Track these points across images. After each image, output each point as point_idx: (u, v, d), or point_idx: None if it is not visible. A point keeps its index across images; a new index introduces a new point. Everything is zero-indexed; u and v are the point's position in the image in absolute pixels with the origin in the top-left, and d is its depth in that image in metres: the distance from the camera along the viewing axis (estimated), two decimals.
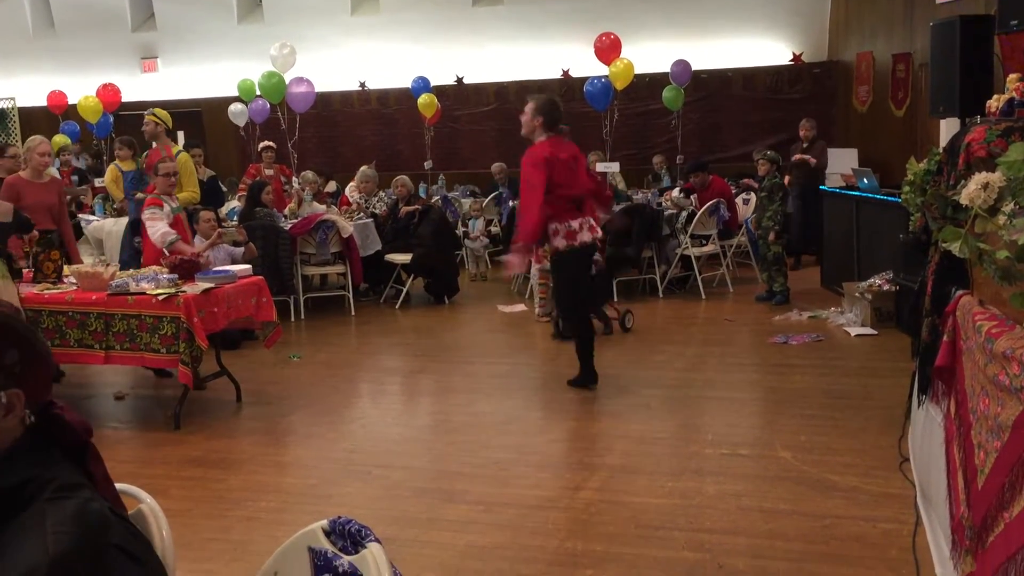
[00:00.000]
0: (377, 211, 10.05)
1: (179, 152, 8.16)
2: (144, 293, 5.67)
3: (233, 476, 4.90)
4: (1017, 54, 5.39)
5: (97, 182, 11.25)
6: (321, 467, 5.03)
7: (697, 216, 9.35)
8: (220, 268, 6.35)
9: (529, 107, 6.03)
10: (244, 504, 4.50)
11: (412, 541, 3.99)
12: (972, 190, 2.74)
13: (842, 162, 11.11)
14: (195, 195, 8.01)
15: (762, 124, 12.94)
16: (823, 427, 5.24)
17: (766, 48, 13.12)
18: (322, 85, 13.53)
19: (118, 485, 1.91)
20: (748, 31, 13.09)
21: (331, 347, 7.86)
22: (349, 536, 1.83)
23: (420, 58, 13.90)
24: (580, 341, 6.18)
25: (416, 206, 9.82)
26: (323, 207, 9.88)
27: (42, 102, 14.92)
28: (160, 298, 5.58)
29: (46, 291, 5.95)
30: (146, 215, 6.63)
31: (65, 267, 6.32)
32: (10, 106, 16.02)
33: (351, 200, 10.54)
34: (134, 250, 8.95)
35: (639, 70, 11.93)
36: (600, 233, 6.17)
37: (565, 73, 13.64)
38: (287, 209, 9.67)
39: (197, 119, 15.02)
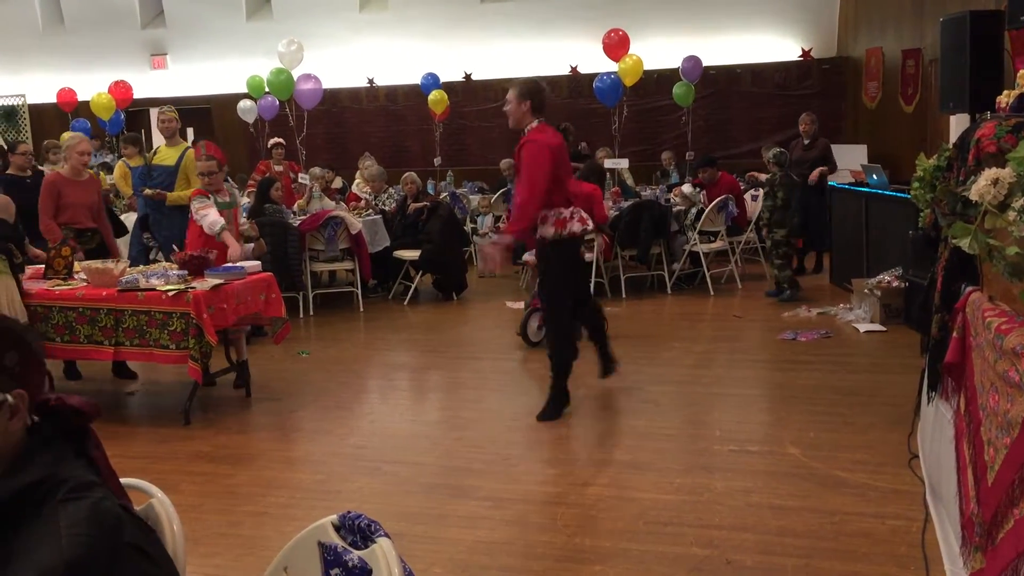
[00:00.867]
0: (386, 207, 10.07)
1: (187, 149, 8.19)
2: (154, 289, 5.69)
3: (243, 471, 4.92)
4: None
5: (107, 179, 11.29)
6: (330, 462, 5.04)
7: (705, 212, 9.34)
8: (230, 264, 6.36)
9: (511, 95, 5.38)
10: (254, 499, 4.52)
11: (421, 536, 4.00)
12: (982, 186, 2.73)
13: (851, 158, 11.08)
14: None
15: (771, 120, 12.91)
16: (832, 423, 5.24)
17: (775, 44, 13.08)
18: (331, 82, 13.55)
19: (128, 480, 1.92)
20: (757, 27, 13.06)
21: (340, 343, 7.88)
22: (359, 531, 1.84)
23: (428, 55, 13.91)
24: (557, 356, 5.55)
25: (425, 203, 9.82)
26: (332, 203, 9.89)
27: (52, 99, 14.97)
28: (170, 294, 5.60)
29: (57, 287, 5.98)
30: (195, 204, 6.67)
31: (76, 263, 6.35)
32: (20, 103, 16.07)
33: (360, 196, 10.55)
34: (143, 246, 9.00)
35: (648, 66, 11.92)
36: (591, 225, 5.65)
37: (574, 69, 13.63)
38: (296, 205, 9.69)
39: (206, 116, 15.06)
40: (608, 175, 10.24)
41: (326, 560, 1.89)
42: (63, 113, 14.68)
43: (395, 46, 14.33)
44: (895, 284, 7.52)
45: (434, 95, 12.78)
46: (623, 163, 10.78)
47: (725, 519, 4.05)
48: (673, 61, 12.33)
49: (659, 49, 12.72)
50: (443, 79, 13.24)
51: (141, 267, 6.24)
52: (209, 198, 6.65)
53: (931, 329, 4.01)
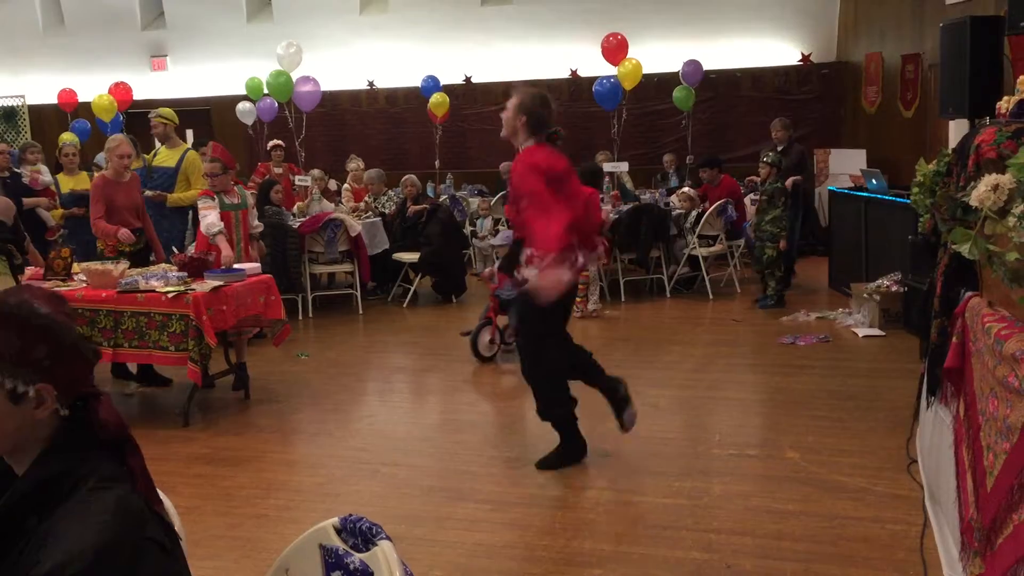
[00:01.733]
0: (386, 210, 10.08)
1: (187, 150, 8.20)
2: (154, 291, 5.69)
3: (242, 473, 4.92)
4: None
5: None
6: (329, 465, 5.04)
7: (705, 216, 9.35)
8: (235, 266, 6.36)
9: (511, 103, 4.60)
10: (253, 501, 4.52)
11: (420, 539, 4.00)
12: (982, 192, 2.74)
13: (851, 163, 11.10)
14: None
15: (770, 124, 12.90)
16: (831, 428, 5.24)
17: (775, 48, 13.10)
18: (331, 84, 13.55)
19: None
20: (757, 31, 13.07)
21: (339, 345, 7.88)
22: (360, 534, 1.84)
23: (428, 57, 13.91)
24: (552, 415, 4.82)
25: (424, 205, 9.83)
26: (332, 205, 9.90)
27: (52, 100, 14.96)
28: (169, 296, 5.60)
29: (56, 288, 5.97)
30: (201, 204, 6.74)
31: (75, 264, 6.35)
32: (20, 104, 16.07)
33: (350, 197, 10.55)
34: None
35: (648, 70, 11.92)
36: (582, 263, 4.59)
37: (574, 73, 13.64)
38: (295, 207, 9.70)
39: (206, 117, 15.05)
40: (608, 178, 10.25)
41: (327, 563, 1.89)
42: (63, 114, 14.68)
43: (395, 48, 14.34)
44: (894, 289, 7.53)
45: (435, 98, 12.78)
46: (623, 166, 10.79)
47: (724, 523, 4.05)
48: (673, 65, 12.34)
49: (659, 53, 12.73)
50: (443, 82, 13.25)
51: (141, 268, 6.23)
52: (214, 199, 6.66)
53: (930, 334, 4.02)
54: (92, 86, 14.04)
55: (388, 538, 1.80)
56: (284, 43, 11.87)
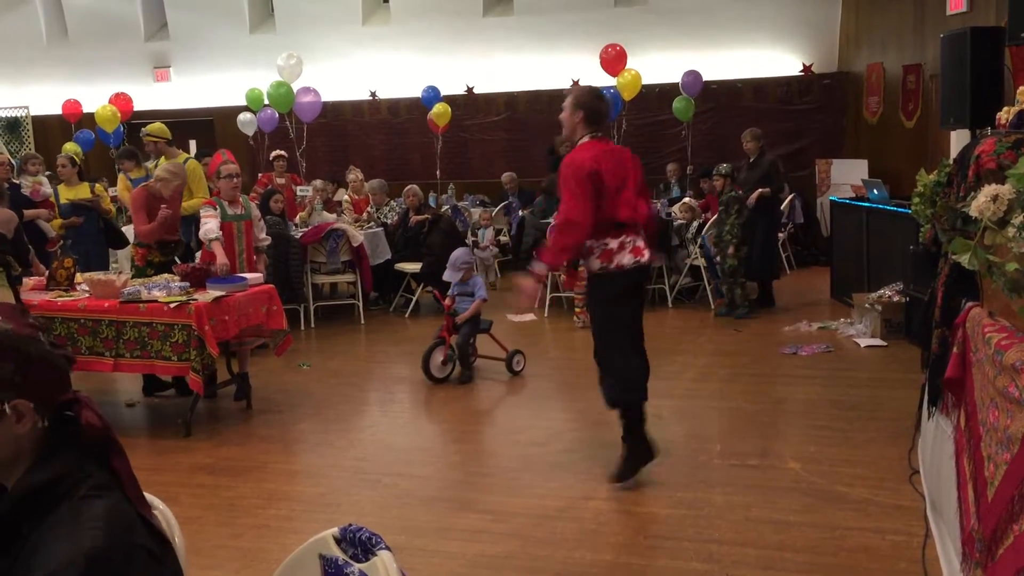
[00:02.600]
0: (388, 220, 10.10)
1: (187, 160, 8.24)
2: (156, 301, 5.70)
3: (243, 484, 4.92)
4: None
5: (111, 191, 11.32)
6: (331, 475, 5.04)
7: (707, 227, 9.36)
8: (234, 276, 6.37)
9: (567, 101, 4.76)
10: (254, 512, 4.52)
11: (421, 550, 4.00)
12: (981, 202, 2.74)
13: (852, 173, 11.12)
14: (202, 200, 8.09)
15: (772, 134, 12.88)
16: (832, 438, 5.23)
17: (776, 59, 13.13)
18: (333, 94, 13.59)
19: None
20: (758, 42, 13.10)
21: (341, 356, 7.89)
22: (360, 544, 1.84)
23: (430, 68, 13.95)
24: (623, 404, 4.76)
25: (426, 215, 9.84)
26: (333, 216, 9.92)
27: (55, 111, 15.01)
28: (172, 306, 5.62)
29: (59, 298, 5.99)
30: (202, 211, 6.76)
31: (78, 275, 6.37)
32: (23, 115, 16.13)
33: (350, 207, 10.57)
34: None
35: (648, 81, 11.96)
36: (646, 256, 4.71)
37: (575, 83, 13.66)
38: (297, 217, 9.72)
39: (209, 128, 15.09)
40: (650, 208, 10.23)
41: (327, 573, 1.89)
42: (66, 125, 14.72)
43: (397, 59, 14.38)
44: (896, 299, 7.53)
45: (437, 108, 12.82)
46: None
47: (725, 534, 4.05)
48: (675, 75, 12.37)
49: (660, 63, 12.76)
50: (445, 92, 13.28)
51: (143, 278, 6.24)
52: (216, 208, 6.67)
53: (931, 344, 4.02)
54: (96, 97, 14.07)
55: (388, 548, 1.80)
56: (284, 54, 11.91)
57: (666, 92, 12.62)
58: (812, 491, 4.48)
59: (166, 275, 6.25)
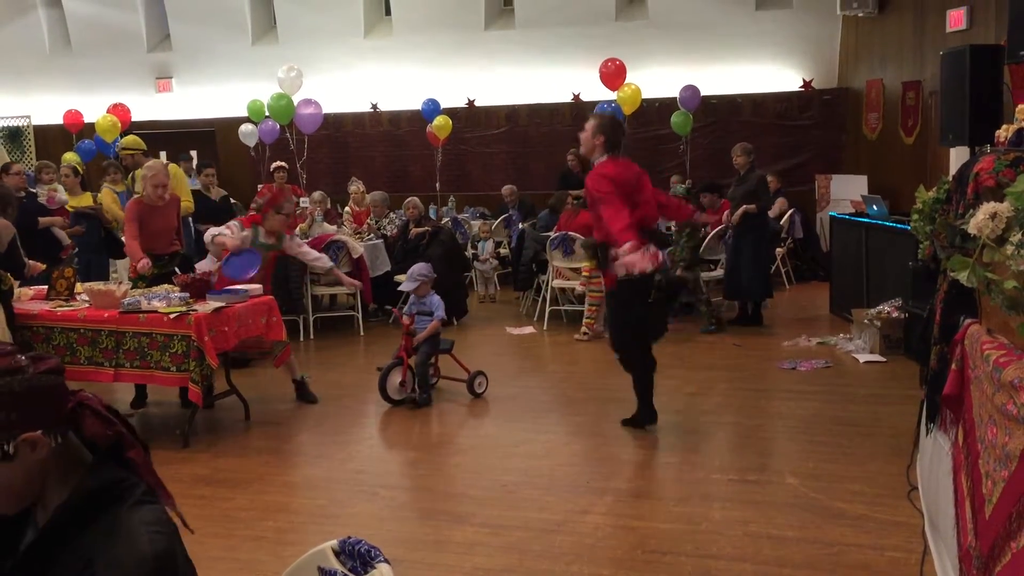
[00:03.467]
0: (388, 232, 10.11)
1: (167, 164, 8.31)
2: (156, 311, 5.71)
3: (241, 495, 4.92)
4: None
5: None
6: (329, 487, 5.03)
7: (706, 241, 9.37)
8: (231, 287, 6.38)
9: (590, 124, 5.61)
10: (252, 523, 4.51)
11: (419, 563, 3.99)
12: (980, 219, 2.75)
13: (852, 189, 11.15)
14: (188, 204, 8.17)
15: (771, 150, 12.96)
16: (831, 454, 5.23)
17: (776, 74, 13.18)
18: (334, 106, 13.63)
19: None
20: (758, 57, 13.15)
21: (340, 367, 7.88)
22: (359, 556, 1.84)
23: (431, 80, 14.01)
24: (637, 376, 5.76)
25: (426, 227, 9.86)
26: (333, 228, 9.93)
27: (57, 120, 15.04)
28: (171, 316, 5.62)
29: (59, 308, 5.99)
30: (229, 224, 6.91)
31: (78, 284, 6.37)
32: (25, 124, 16.16)
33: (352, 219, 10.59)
34: None
35: (648, 95, 12.00)
36: (661, 260, 5.64)
37: (576, 97, 13.72)
38: (298, 229, 9.72)
39: (211, 139, 15.13)
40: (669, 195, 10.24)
41: None
42: (68, 135, 14.76)
43: (399, 72, 14.43)
44: (895, 315, 7.53)
45: (438, 121, 12.85)
46: None
47: (723, 549, 4.04)
48: (675, 90, 12.41)
49: (661, 78, 12.81)
50: (446, 105, 13.32)
51: (143, 289, 6.25)
52: (245, 230, 6.67)
53: (930, 360, 4.02)
54: (98, 107, 14.09)
55: (387, 561, 1.80)
56: (285, 67, 11.96)
57: (666, 106, 12.66)
58: (810, 507, 4.48)
59: (166, 285, 6.25)
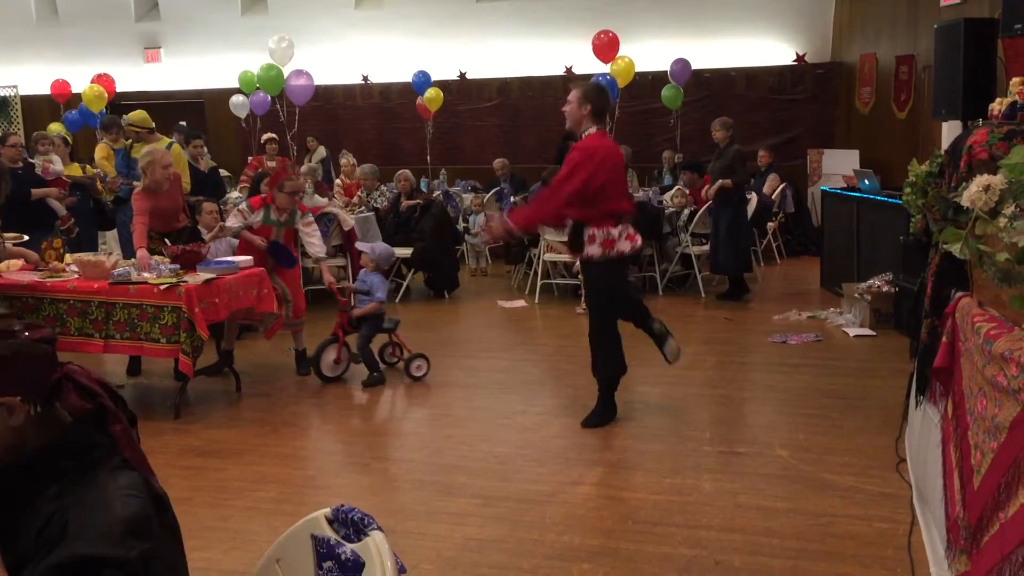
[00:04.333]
0: (379, 205, 10.07)
1: (170, 144, 8.22)
2: (146, 282, 5.68)
3: (232, 466, 4.92)
4: (1020, 58, 5.41)
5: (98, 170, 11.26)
6: (320, 458, 5.05)
7: (698, 215, 9.37)
8: (222, 259, 6.36)
9: (574, 95, 5.17)
10: (243, 494, 4.52)
11: (410, 533, 4.01)
12: (973, 192, 2.76)
13: (844, 163, 11.14)
14: (186, 185, 8.09)
15: (764, 124, 12.94)
16: (821, 426, 5.26)
17: (769, 48, 13.12)
18: (325, 78, 13.52)
19: None
20: (751, 31, 13.09)
21: None
22: (352, 524, 1.85)
23: (423, 52, 13.90)
24: (603, 373, 5.49)
25: (417, 200, 9.83)
26: (324, 200, 9.88)
27: (44, 90, 14.90)
28: (162, 288, 5.60)
29: (48, 279, 5.96)
30: (239, 207, 6.84)
31: (67, 255, 6.33)
32: (12, 94, 16.01)
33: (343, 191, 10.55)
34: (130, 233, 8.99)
35: (642, 68, 11.93)
36: (639, 242, 5.41)
37: (568, 70, 13.64)
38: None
39: (199, 110, 15.01)
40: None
41: (319, 553, 1.90)
42: (55, 104, 14.62)
43: (390, 43, 14.32)
44: (885, 289, 7.56)
45: (429, 93, 12.77)
46: None
47: (713, 520, 4.07)
48: (668, 63, 12.35)
49: (654, 51, 12.73)
50: (438, 77, 13.23)
51: (133, 260, 6.21)
52: (254, 212, 6.63)
53: (921, 334, 4.04)
54: (85, 77, 13.95)
55: (380, 529, 1.81)
56: (275, 37, 11.84)
57: (659, 80, 12.60)
58: (800, 478, 4.51)
59: (156, 256, 6.22)
